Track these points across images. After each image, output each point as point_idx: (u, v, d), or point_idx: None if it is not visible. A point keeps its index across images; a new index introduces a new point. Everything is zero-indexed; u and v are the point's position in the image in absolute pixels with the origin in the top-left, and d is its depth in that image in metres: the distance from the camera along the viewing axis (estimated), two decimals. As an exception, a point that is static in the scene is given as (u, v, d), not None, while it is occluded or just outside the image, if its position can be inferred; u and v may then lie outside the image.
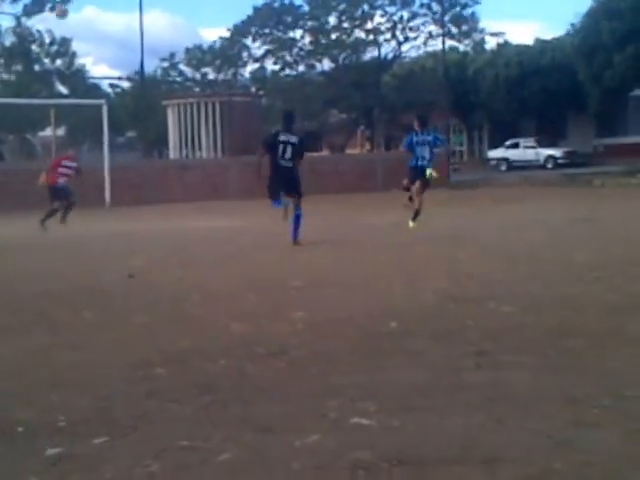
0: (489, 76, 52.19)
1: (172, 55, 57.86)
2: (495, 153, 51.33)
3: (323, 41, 51.54)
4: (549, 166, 46.56)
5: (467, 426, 4.14)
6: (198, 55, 56.82)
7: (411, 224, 15.54)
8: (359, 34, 51.90)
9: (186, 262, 11.81)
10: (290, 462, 3.72)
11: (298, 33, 52.37)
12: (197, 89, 53.73)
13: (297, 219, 13.62)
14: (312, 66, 52.84)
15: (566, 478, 3.47)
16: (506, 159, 49.47)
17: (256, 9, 52.23)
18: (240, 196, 28.52)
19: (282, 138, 13.67)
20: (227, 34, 54.11)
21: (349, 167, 32.69)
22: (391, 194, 26.92)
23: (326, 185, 29.89)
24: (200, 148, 36.91)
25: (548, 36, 54.58)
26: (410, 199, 16.19)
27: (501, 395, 4.66)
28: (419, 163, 15.78)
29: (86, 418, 4.51)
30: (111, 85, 61.32)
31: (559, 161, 47.28)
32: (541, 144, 48.90)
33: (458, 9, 51.48)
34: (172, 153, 38.65)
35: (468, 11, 51.87)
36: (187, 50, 57.42)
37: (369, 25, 51.60)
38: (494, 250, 11.69)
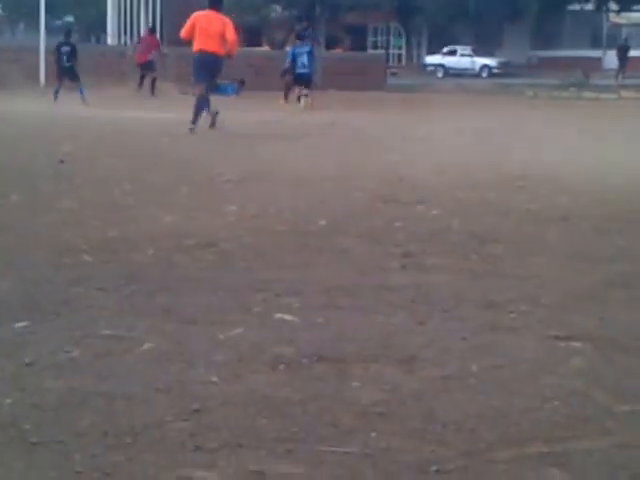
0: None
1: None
2: (433, 59, 51.17)
3: None
4: (484, 75, 46.60)
5: (388, 326, 4.17)
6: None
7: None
8: None
9: (119, 151, 11.62)
10: (212, 354, 3.71)
11: None
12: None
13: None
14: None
15: (480, 379, 3.51)
16: (443, 66, 49.36)
17: None
18: (177, 87, 28.00)
19: None
20: None
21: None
22: (329, 94, 26.75)
23: (264, 82, 29.48)
24: (139, 35, 36.08)
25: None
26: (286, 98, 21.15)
27: (423, 297, 4.69)
28: (300, 71, 20.07)
29: (7, 301, 4.44)
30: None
31: (493, 70, 47.33)
32: (477, 53, 48.83)
33: None
34: (110, 39, 37.75)
35: None
36: None
37: None
38: (425, 154, 11.68)
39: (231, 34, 14.19)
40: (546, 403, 3.27)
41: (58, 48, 24.17)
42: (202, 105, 14.12)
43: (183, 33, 14.60)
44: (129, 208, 7.33)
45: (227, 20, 14.50)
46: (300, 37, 23.88)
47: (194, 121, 13.86)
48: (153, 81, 26.65)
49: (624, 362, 3.75)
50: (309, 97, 21.66)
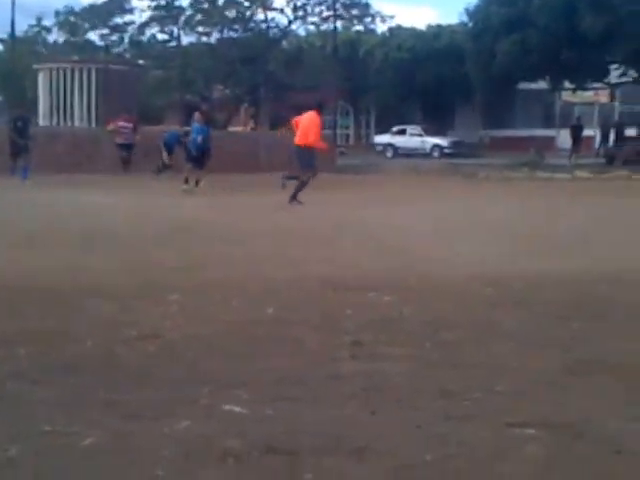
0: (379, 59, 52.53)
1: (39, 19, 56.69)
2: (382, 139, 51.75)
3: (211, 11, 51.02)
4: (435, 155, 47.19)
5: (340, 416, 4.25)
6: (71, 19, 55.57)
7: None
8: (248, 7, 51.64)
9: (55, 237, 11.61)
10: (158, 449, 3.76)
11: (185, 1, 51.88)
12: (74, 56, 52.74)
13: None
14: (200, 37, 52.34)
15: (435, 469, 3.60)
16: (392, 145, 49.95)
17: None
18: (112, 170, 28.06)
19: None
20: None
21: (231, 145, 32.53)
22: (275, 176, 26.98)
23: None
24: (72, 117, 36.18)
25: (442, 22, 55.29)
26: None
27: (375, 386, 4.78)
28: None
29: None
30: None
31: (445, 150, 47.96)
32: (428, 132, 49.53)
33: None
34: (42, 120, 37.80)
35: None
36: (57, 14, 56.09)
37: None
38: (378, 239, 11.84)
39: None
40: (501, 492, 3.36)
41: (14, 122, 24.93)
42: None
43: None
44: (65, 296, 7.36)
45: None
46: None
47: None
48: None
49: (579, 448, 3.87)
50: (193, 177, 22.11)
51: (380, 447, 3.84)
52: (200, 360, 5.32)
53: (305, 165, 18.17)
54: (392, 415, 4.29)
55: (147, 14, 52.75)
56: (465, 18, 42.66)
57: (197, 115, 23.76)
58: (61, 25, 56.40)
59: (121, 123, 28.44)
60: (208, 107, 30.27)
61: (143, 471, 3.51)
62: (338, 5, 49.68)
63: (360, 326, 6.29)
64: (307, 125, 18.23)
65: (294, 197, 17.44)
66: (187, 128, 25.66)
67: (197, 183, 21.94)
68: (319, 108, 18.96)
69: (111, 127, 28.46)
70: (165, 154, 25.94)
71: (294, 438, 3.93)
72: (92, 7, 54.99)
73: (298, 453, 3.75)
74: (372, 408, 4.37)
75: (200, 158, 22.23)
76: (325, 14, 51.57)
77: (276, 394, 4.59)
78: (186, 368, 5.13)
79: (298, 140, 18.31)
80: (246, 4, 51.81)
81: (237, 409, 4.32)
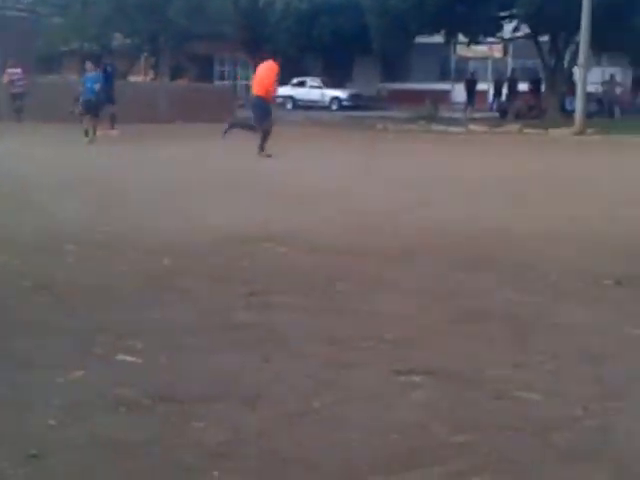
0: (279, 8, 52.11)
1: None
2: (282, 90, 51.57)
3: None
4: (334, 107, 47.25)
5: (233, 365, 4.31)
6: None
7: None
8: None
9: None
10: (52, 398, 3.77)
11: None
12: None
13: None
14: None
15: (322, 415, 3.68)
16: (292, 97, 49.83)
17: None
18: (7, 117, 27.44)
19: None
20: None
21: (131, 96, 32.10)
22: (174, 126, 26.77)
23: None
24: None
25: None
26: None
27: (269, 335, 4.85)
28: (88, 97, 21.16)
29: None
30: None
31: (344, 103, 48.06)
32: (327, 85, 49.52)
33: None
34: None
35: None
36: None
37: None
38: (274, 191, 11.83)
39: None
40: (386, 436, 3.46)
41: None
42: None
43: None
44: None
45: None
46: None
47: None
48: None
49: (463, 395, 3.99)
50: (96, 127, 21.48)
51: (271, 395, 3.91)
52: (95, 310, 5.32)
53: (263, 116, 17.75)
54: (283, 363, 4.35)
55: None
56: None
57: (88, 64, 23.17)
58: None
59: (10, 70, 27.73)
60: (109, 56, 29.63)
61: (37, 420, 3.52)
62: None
63: (255, 277, 6.34)
64: (264, 75, 17.96)
65: (262, 148, 17.12)
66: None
67: (87, 132, 21.04)
68: (275, 57, 18.88)
69: (6, 79, 27.68)
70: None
71: (186, 387, 3.97)
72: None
73: (190, 401, 3.79)
74: (264, 357, 4.42)
75: (97, 106, 21.81)
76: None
77: (170, 344, 4.63)
78: (81, 319, 5.12)
79: (257, 90, 18.01)
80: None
81: (131, 359, 4.34)
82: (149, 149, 19.18)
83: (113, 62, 29.15)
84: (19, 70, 27.82)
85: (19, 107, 27.22)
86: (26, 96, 27.12)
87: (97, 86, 21.84)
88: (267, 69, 18.08)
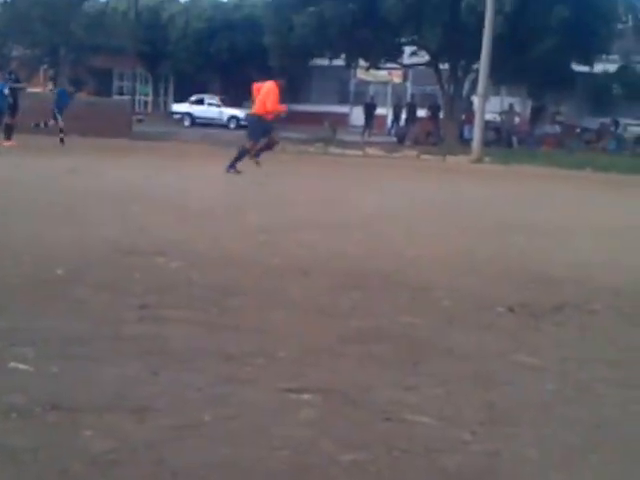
0: (179, 26, 52.09)
1: None
2: (180, 107, 51.46)
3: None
4: (232, 126, 47.31)
5: (122, 376, 4.29)
6: None
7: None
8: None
9: None
10: (-61, 403, 3.72)
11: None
12: None
13: None
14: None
15: (212, 429, 3.69)
16: (190, 114, 49.75)
17: None
18: None
19: None
20: None
21: (28, 106, 31.65)
22: (71, 139, 26.45)
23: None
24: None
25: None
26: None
27: (159, 348, 4.84)
28: None
29: None
30: None
31: (242, 122, 48.16)
32: (225, 103, 49.59)
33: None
34: None
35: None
36: None
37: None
38: (167, 205, 11.84)
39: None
40: (275, 452, 3.49)
41: None
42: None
43: None
44: None
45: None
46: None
47: None
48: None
49: (352, 415, 4.03)
50: None
51: (161, 407, 3.90)
52: (-15, 319, 5.24)
53: (253, 134, 18.36)
54: (174, 377, 4.35)
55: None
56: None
57: None
58: None
59: None
60: (15, 65, 29.18)
61: None
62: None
63: (147, 290, 6.33)
64: (264, 96, 18.17)
65: (232, 165, 17.55)
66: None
67: None
68: (278, 81, 18.97)
69: None
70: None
71: (77, 396, 3.95)
72: None
73: (80, 410, 3.78)
74: (155, 369, 4.41)
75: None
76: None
77: (61, 353, 4.59)
78: (-29, 326, 5.05)
79: (255, 109, 18.50)
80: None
81: (22, 366, 4.30)
82: (47, 160, 18.96)
83: (16, 71, 28.65)
84: None
85: None
86: None
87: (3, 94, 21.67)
88: (267, 90, 18.31)
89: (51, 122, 25.93)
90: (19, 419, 3.63)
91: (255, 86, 18.70)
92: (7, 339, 4.77)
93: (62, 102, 26.02)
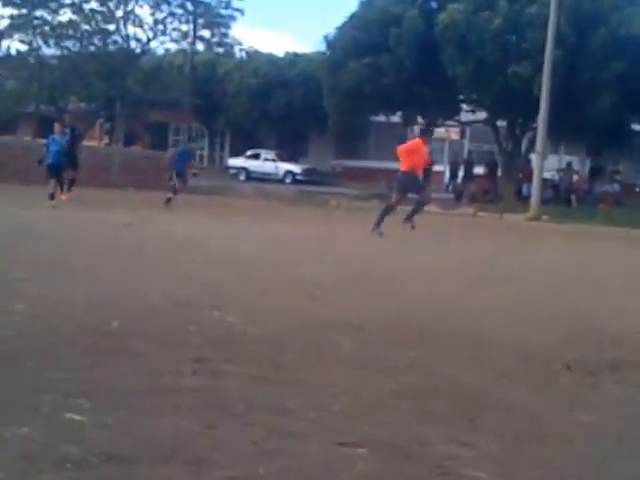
0: (235, 81, 52.75)
1: None
2: (235, 162, 51.97)
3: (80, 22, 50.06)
4: (287, 181, 47.69)
5: (178, 428, 4.35)
6: None
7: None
8: (110, 22, 50.98)
9: None
10: (-3, 452, 3.81)
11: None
12: None
13: None
14: (61, 48, 51.26)
15: (267, 481, 3.76)
16: (246, 169, 50.19)
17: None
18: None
19: None
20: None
21: (84, 159, 32.20)
22: (127, 192, 26.86)
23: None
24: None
25: (301, 50, 55.88)
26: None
27: (214, 402, 4.90)
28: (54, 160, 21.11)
29: None
30: None
31: (297, 177, 48.51)
32: (281, 158, 50.00)
33: (215, 19, 51.63)
34: None
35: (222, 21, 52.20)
36: None
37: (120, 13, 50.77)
38: (224, 259, 11.97)
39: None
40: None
41: None
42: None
43: None
44: None
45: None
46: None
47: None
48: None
49: (407, 469, 4.06)
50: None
51: (216, 459, 3.96)
52: (42, 369, 5.34)
53: (400, 189, 18.70)
54: (229, 430, 4.41)
55: (5, 22, 51.54)
56: (323, 47, 42.87)
57: (57, 126, 23.01)
58: None
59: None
60: (69, 118, 29.56)
61: (-20, 474, 3.56)
62: (198, 22, 49.52)
63: (203, 343, 6.41)
64: (408, 154, 18.40)
65: (378, 224, 17.70)
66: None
67: (53, 196, 20.94)
68: (424, 135, 19.94)
69: None
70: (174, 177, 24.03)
71: (132, 447, 4.02)
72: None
73: (135, 461, 3.84)
74: (210, 422, 4.48)
75: (59, 170, 21.67)
76: (184, 28, 51.36)
77: (116, 404, 4.67)
78: (28, 376, 5.15)
79: (402, 167, 18.60)
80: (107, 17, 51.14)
81: (77, 417, 4.38)
82: (103, 214, 19.24)
83: (77, 126, 28.68)
84: None
85: None
86: None
87: (63, 148, 21.73)
88: (412, 148, 18.67)
89: (173, 181, 24.28)
90: (74, 470, 3.69)
91: (399, 149, 18.95)
92: (61, 390, 4.86)
93: (183, 162, 24.74)
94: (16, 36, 50.22)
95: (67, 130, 24.01)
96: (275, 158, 50.13)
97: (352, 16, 39.20)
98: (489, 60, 33.64)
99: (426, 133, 20.75)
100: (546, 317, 8.75)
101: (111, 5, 49.29)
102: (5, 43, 51.12)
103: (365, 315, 8.13)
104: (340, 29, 39.79)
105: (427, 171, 42.42)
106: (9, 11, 49.78)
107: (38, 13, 49.43)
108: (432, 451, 4.34)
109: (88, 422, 4.34)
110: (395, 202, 18.64)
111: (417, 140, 19.20)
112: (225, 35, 51.86)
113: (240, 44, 52.97)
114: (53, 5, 49.35)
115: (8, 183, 25.98)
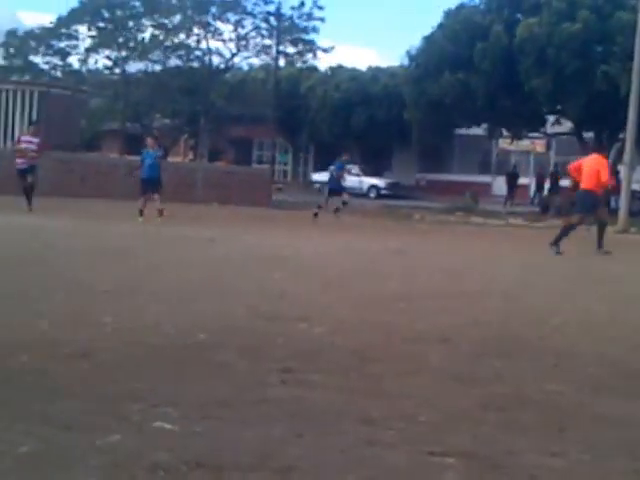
0: (318, 96, 52.98)
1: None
2: (319, 176, 52.14)
3: (164, 39, 51.00)
4: (372, 195, 47.69)
5: (266, 437, 4.41)
6: (14, 41, 55.00)
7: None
8: (195, 38, 51.81)
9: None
10: (89, 459, 3.90)
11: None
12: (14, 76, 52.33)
13: None
14: (146, 64, 52.23)
15: (355, 490, 3.79)
16: (330, 184, 50.29)
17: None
18: (52, 193, 27.88)
19: None
20: (49, 21, 53.15)
21: (169, 175, 32.63)
22: (211, 207, 27.12)
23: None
24: (13, 139, 35.95)
25: (383, 64, 55.93)
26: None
27: (302, 411, 4.95)
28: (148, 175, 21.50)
29: None
30: None
31: (382, 191, 48.50)
32: (365, 172, 50.04)
33: (299, 34, 52.12)
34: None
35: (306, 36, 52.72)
36: (8, 34, 55.55)
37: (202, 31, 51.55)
38: (309, 273, 12.05)
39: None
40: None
41: None
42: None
43: None
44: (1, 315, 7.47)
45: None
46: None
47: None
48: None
49: (495, 477, 4.07)
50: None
51: (305, 467, 4.01)
52: (131, 379, 5.45)
53: (580, 209, 18.33)
54: (317, 439, 4.46)
55: (92, 40, 52.63)
56: (406, 61, 42.85)
57: (149, 140, 23.33)
58: (3, 46, 55.83)
59: (25, 138, 23.14)
60: (158, 134, 29.98)
61: (75, 479, 3.65)
62: (282, 36, 50.02)
63: (290, 354, 6.47)
64: (594, 170, 17.95)
65: (556, 241, 17.59)
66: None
67: (142, 212, 21.11)
68: (603, 151, 19.70)
69: (19, 147, 22.99)
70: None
71: (221, 455, 4.09)
72: (36, 30, 54.64)
73: (224, 469, 3.91)
74: (298, 431, 4.53)
75: (155, 186, 21.69)
76: (267, 42, 51.88)
77: (205, 414, 4.75)
78: (117, 386, 5.26)
79: (585, 184, 18.06)
80: (190, 33, 51.95)
81: (167, 426, 4.47)
82: (188, 230, 19.45)
83: (162, 142, 29.01)
84: (37, 140, 22.79)
85: (30, 185, 22.19)
86: (37, 169, 22.95)
87: (157, 162, 21.98)
88: (597, 164, 18.19)
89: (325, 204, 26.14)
90: (165, 476, 3.78)
91: (573, 166, 18.90)
92: (149, 400, 4.96)
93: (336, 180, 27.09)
94: (101, 53, 51.21)
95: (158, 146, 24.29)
96: (359, 172, 50.17)
97: (440, 26, 39.09)
98: (570, 70, 33.28)
99: (604, 150, 20.35)
100: (632, 328, 8.67)
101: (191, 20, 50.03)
102: (92, 60, 52.21)
103: (450, 327, 8.13)
104: (427, 39, 39.67)
105: (512, 183, 42.42)
106: (94, 31, 50.88)
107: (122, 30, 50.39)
108: (522, 461, 4.33)
109: (177, 430, 4.43)
110: (577, 222, 18.31)
111: (600, 156, 18.66)
112: (309, 50, 52.29)
113: (326, 50, 53.26)
114: (135, 22, 50.32)
115: (93, 199, 26.41)
